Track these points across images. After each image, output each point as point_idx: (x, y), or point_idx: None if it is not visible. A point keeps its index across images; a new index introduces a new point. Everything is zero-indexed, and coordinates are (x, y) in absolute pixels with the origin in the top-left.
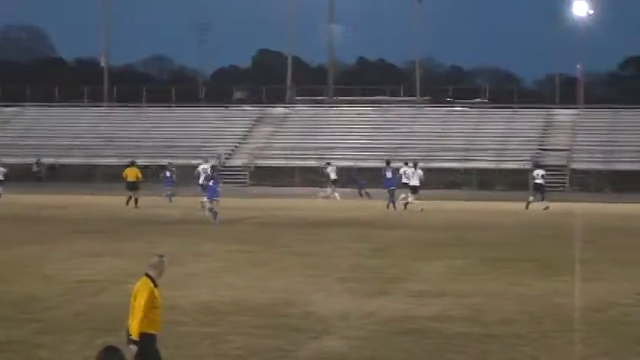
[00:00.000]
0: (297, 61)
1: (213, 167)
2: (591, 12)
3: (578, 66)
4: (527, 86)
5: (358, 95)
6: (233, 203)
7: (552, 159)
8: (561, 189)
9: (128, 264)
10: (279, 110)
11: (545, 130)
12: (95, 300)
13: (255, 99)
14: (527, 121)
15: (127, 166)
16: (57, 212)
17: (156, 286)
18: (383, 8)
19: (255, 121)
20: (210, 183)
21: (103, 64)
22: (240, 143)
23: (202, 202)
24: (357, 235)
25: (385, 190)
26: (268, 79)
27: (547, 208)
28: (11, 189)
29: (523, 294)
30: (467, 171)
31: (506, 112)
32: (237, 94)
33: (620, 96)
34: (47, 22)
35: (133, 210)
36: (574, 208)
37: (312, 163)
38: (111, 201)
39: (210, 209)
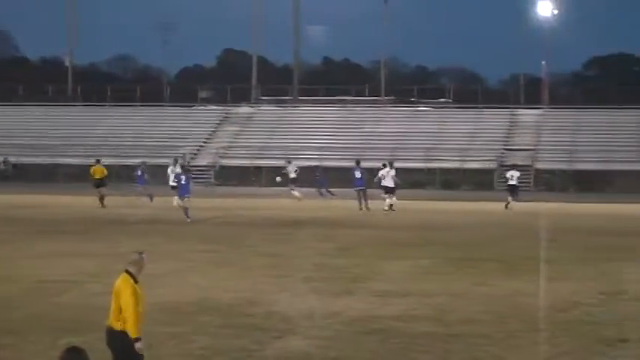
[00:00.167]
0: (262, 60)
1: (183, 166)
2: (556, 12)
3: (543, 64)
4: (492, 86)
5: (323, 95)
6: (198, 203)
7: (517, 159)
8: (526, 189)
9: (91, 264)
10: (244, 110)
11: (510, 130)
12: (58, 300)
13: (220, 99)
14: (491, 121)
15: (94, 164)
16: (22, 212)
17: (136, 282)
18: (349, 8)
19: (220, 120)
20: (183, 181)
21: (67, 63)
22: (205, 143)
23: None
24: (322, 234)
25: (354, 191)
26: (233, 79)
27: (507, 206)
28: None
29: (487, 294)
30: (431, 171)
31: (471, 112)
32: (202, 94)
33: (584, 96)
34: (11, 22)
35: (98, 210)
36: (539, 208)
37: (277, 162)
38: (75, 201)
39: (184, 208)
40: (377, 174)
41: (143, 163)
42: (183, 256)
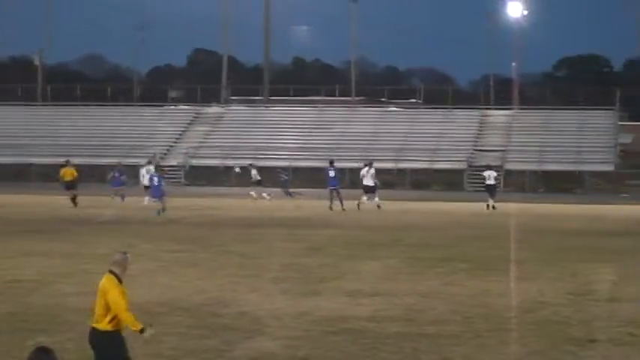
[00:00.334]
0: (232, 60)
1: (157, 166)
2: (526, 13)
3: (513, 65)
4: (462, 87)
5: (293, 95)
6: (168, 203)
7: (487, 159)
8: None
9: (60, 264)
10: (214, 110)
11: (480, 130)
12: (26, 300)
13: (190, 98)
14: (461, 121)
15: (62, 165)
16: None
17: (120, 282)
18: (320, 8)
19: (191, 120)
20: (155, 182)
21: (37, 62)
22: (175, 143)
23: (153, 206)
24: (293, 234)
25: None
26: (203, 79)
27: (489, 207)
28: None
29: (457, 294)
30: (401, 171)
31: (441, 113)
32: (173, 94)
33: (554, 97)
34: None
35: (68, 210)
36: (508, 208)
37: (247, 163)
38: (45, 200)
39: (159, 210)
40: (352, 173)
41: (119, 163)
42: (153, 256)
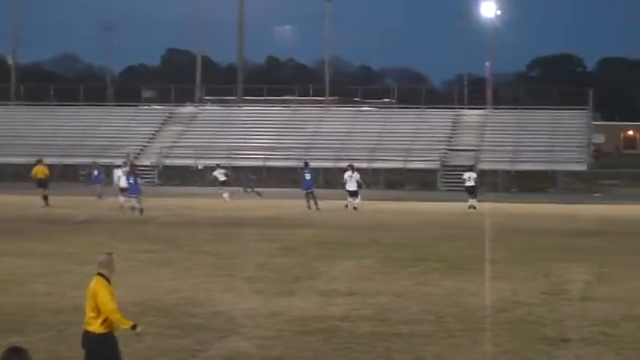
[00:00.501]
0: (206, 60)
1: (132, 166)
2: (499, 13)
3: (486, 65)
4: (436, 87)
5: (267, 95)
6: (144, 203)
7: (460, 159)
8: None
9: (34, 264)
10: (188, 110)
11: (454, 130)
12: (1, 300)
13: (164, 98)
14: (435, 121)
15: (35, 164)
16: None
17: (109, 283)
18: (294, 8)
19: (164, 120)
20: (131, 181)
21: (10, 62)
22: (148, 142)
23: (130, 205)
24: (267, 234)
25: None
26: (177, 79)
27: (471, 207)
28: None
29: (430, 293)
30: (375, 171)
31: (415, 113)
32: (146, 93)
33: (527, 96)
34: None
35: (42, 210)
36: (482, 208)
37: (222, 162)
38: (19, 200)
39: (134, 208)
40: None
41: (95, 162)
42: (127, 256)
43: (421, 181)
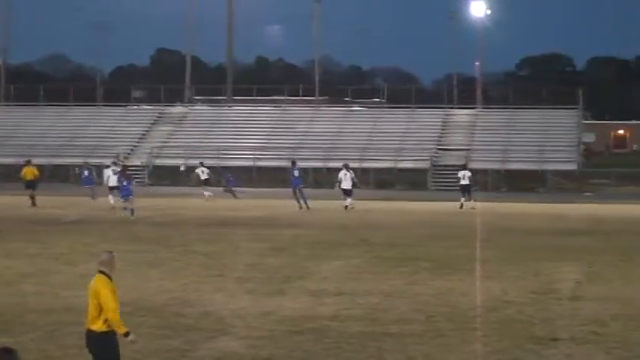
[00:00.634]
0: (195, 60)
1: (124, 167)
2: (489, 12)
3: (476, 64)
4: (426, 86)
5: (257, 95)
6: (135, 203)
7: (450, 159)
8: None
9: (21, 264)
10: (177, 110)
11: (443, 129)
12: None
13: (153, 98)
14: (425, 120)
15: (24, 165)
16: None
17: (110, 280)
18: (283, 7)
19: (154, 120)
20: (124, 183)
21: (0, 62)
22: (138, 142)
23: (122, 205)
24: (256, 234)
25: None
26: (167, 79)
27: (463, 206)
28: None
29: (420, 293)
30: (365, 170)
31: (405, 112)
32: (136, 94)
33: (517, 96)
34: None
35: (30, 210)
36: (466, 207)
37: (212, 162)
38: (8, 200)
39: (125, 208)
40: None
41: (86, 163)
42: (117, 257)
43: (411, 181)
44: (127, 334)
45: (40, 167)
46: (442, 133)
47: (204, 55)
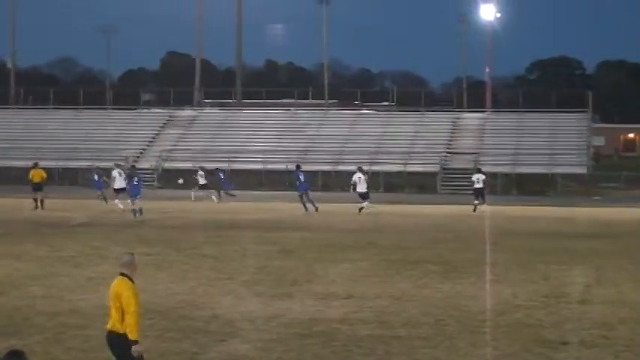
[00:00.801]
0: (205, 63)
1: (133, 167)
2: (499, 16)
3: (486, 68)
4: (435, 90)
5: (266, 98)
6: (142, 205)
7: (460, 162)
8: (469, 192)
9: (30, 267)
10: (187, 113)
11: (453, 133)
12: None
13: (163, 102)
14: (434, 124)
15: (31, 167)
16: None
17: (133, 283)
18: (292, 11)
19: (164, 123)
20: (135, 181)
21: (9, 65)
22: (148, 146)
23: (132, 208)
24: (264, 237)
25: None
26: (176, 82)
27: (476, 210)
28: None
29: (429, 296)
30: (374, 174)
31: (414, 116)
32: (145, 97)
33: (526, 99)
34: None
35: (39, 212)
36: (481, 211)
37: (221, 166)
38: (16, 203)
39: (135, 210)
40: (325, 176)
41: (97, 166)
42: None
43: (420, 184)
44: (134, 342)
45: (46, 170)
46: (452, 137)
47: (214, 58)
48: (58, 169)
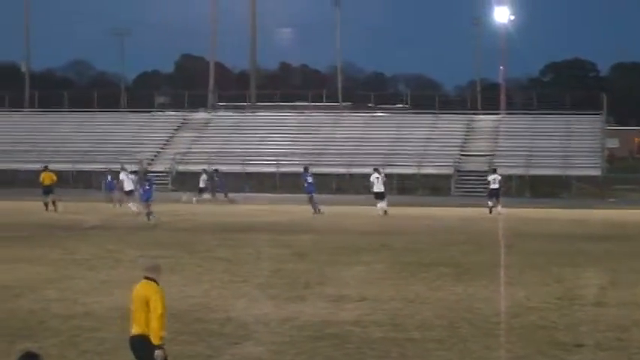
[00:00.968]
0: (219, 66)
1: (146, 171)
2: (512, 18)
3: (500, 70)
4: (449, 92)
5: (280, 101)
6: (154, 208)
7: (474, 164)
8: (483, 194)
9: (46, 270)
10: (201, 116)
11: (467, 135)
12: (12, 306)
13: (177, 104)
14: (448, 126)
15: (42, 170)
16: None
17: (160, 288)
18: (306, 13)
19: (178, 126)
20: (146, 185)
21: (23, 69)
22: (162, 149)
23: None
24: (277, 240)
25: (307, 196)
26: (190, 85)
27: (492, 211)
28: None
29: (442, 299)
30: (388, 176)
31: (428, 118)
32: (159, 100)
33: (540, 101)
34: None
35: (53, 216)
36: (497, 213)
37: (235, 168)
38: (30, 206)
39: (150, 212)
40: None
41: (109, 169)
42: (138, 262)
43: (434, 187)
44: (159, 347)
45: (58, 173)
46: (466, 139)
47: (228, 61)
48: (73, 172)
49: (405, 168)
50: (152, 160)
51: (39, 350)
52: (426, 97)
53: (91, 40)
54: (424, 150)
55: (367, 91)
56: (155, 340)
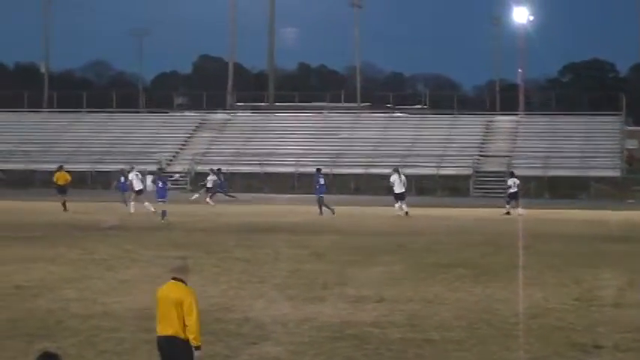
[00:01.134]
0: (237, 67)
1: (159, 169)
2: (531, 18)
3: (518, 70)
4: (468, 92)
5: (299, 101)
6: (172, 209)
7: (492, 165)
8: (502, 195)
9: (64, 270)
10: (219, 116)
11: (486, 136)
12: (31, 305)
13: (195, 105)
14: (467, 127)
15: (56, 170)
16: None
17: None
18: (324, 14)
19: (196, 127)
20: (160, 184)
21: (43, 69)
22: (180, 149)
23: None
24: (295, 240)
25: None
26: (209, 85)
27: (509, 213)
28: None
29: (461, 299)
30: (406, 177)
31: (447, 119)
32: (178, 100)
33: (559, 102)
34: None
35: (71, 215)
36: (514, 215)
37: (254, 169)
38: (48, 207)
39: (164, 212)
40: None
41: (123, 169)
42: (156, 262)
43: (453, 187)
44: (198, 348)
45: (74, 173)
46: (484, 140)
47: (246, 61)
48: (91, 172)
49: (423, 169)
50: (171, 160)
51: (57, 350)
52: (444, 97)
53: (110, 41)
54: (443, 151)
55: (386, 92)
56: (196, 342)
